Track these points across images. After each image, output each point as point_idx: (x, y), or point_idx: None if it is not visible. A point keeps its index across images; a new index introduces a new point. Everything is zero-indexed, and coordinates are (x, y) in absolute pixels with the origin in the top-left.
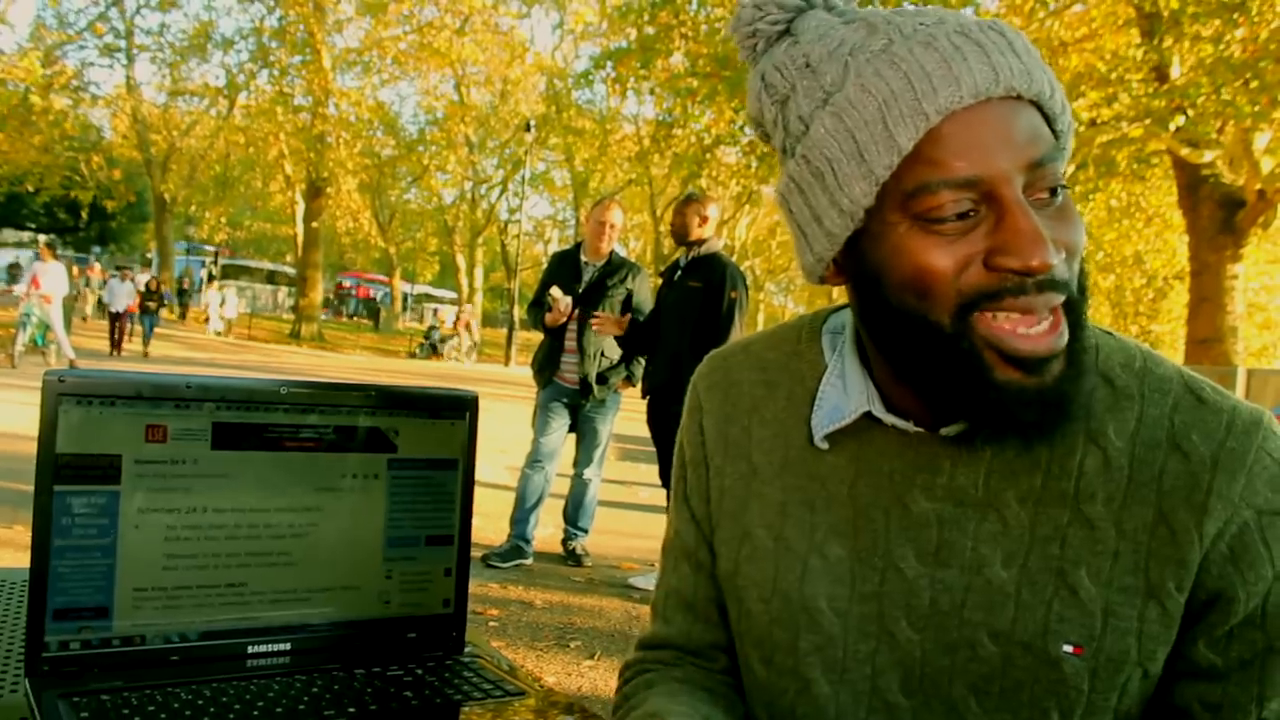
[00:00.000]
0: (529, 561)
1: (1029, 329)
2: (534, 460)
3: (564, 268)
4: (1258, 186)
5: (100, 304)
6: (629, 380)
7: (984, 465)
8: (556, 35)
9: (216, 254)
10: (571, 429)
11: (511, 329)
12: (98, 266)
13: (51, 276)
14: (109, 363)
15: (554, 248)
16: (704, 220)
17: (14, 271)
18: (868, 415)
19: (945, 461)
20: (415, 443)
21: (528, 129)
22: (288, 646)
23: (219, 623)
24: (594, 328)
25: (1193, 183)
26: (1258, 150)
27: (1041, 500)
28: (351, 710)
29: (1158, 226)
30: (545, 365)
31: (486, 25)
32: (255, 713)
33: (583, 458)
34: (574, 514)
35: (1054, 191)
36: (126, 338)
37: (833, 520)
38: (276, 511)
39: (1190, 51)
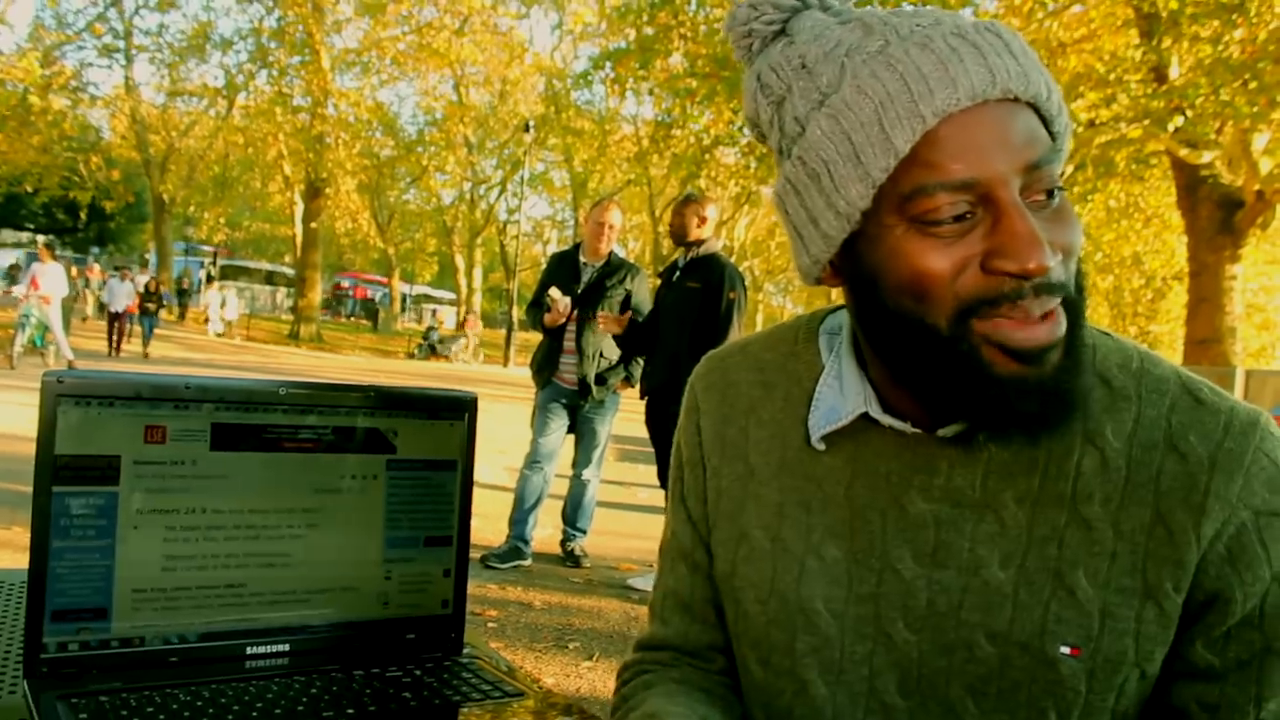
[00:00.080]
0: (528, 562)
1: (1027, 326)
2: (533, 461)
3: (563, 268)
4: (1256, 187)
5: (100, 305)
6: (628, 381)
7: (981, 466)
8: (555, 36)
9: (215, 254)
10: (570, 430)
11: (510, 330)
12: (96, 267)
13: (50, 277)
14: (108, 363)
15: (553, 248)
16: (702, 221)
17: (13, 272)
18: (865, 416)
19: (942, 462)
20: (414, 444)
21: (527, 129)
22: (286, 647)
23: (218, 624)
24: (599, 324)
25: (1191, 183)
26: (1256, 151)
27: (1039, 501)
28: (350, 711)
29: (1156, 227)
30: (544, 366)
31: (485, 26)
32: (254, 714)
33: (581, 458)
34: (573, 515)
35: (1051, 193)
36: (126, 338)
37: (829, 521)
38: (275, 512)
39: (1189, 52)
